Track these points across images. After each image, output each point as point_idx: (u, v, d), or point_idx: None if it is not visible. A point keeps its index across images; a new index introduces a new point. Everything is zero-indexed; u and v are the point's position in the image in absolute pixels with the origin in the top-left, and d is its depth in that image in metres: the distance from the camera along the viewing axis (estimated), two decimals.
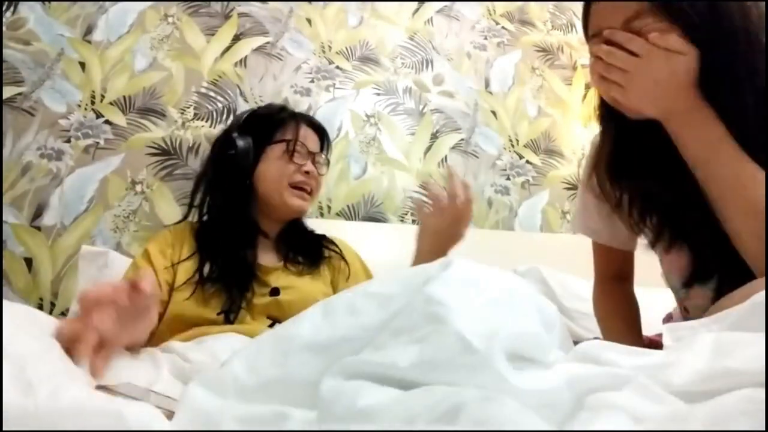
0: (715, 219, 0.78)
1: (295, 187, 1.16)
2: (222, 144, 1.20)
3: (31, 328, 0.55)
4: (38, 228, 1.57)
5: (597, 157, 0.98)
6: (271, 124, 1.20)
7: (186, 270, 1.05)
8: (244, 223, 1.14)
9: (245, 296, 1.02)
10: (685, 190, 0.83)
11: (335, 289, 1.18)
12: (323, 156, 1.25)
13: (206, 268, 1.05)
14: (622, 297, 1.04)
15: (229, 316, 1.00)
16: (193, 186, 1.22)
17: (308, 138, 1.21)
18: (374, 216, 1.84)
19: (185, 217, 1.20)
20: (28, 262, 1.53)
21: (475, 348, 0.38)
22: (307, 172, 1.17)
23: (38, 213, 1.58)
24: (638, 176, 0.89)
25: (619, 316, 1.03)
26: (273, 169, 1.16)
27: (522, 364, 0.40)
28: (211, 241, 1.10)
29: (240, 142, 1.15)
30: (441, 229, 1.01)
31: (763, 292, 0.48)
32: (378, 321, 0.44)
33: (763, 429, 0.32)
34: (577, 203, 1.09)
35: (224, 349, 0.84)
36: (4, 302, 0.63)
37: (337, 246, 1.24)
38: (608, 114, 0.94)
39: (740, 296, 0.63)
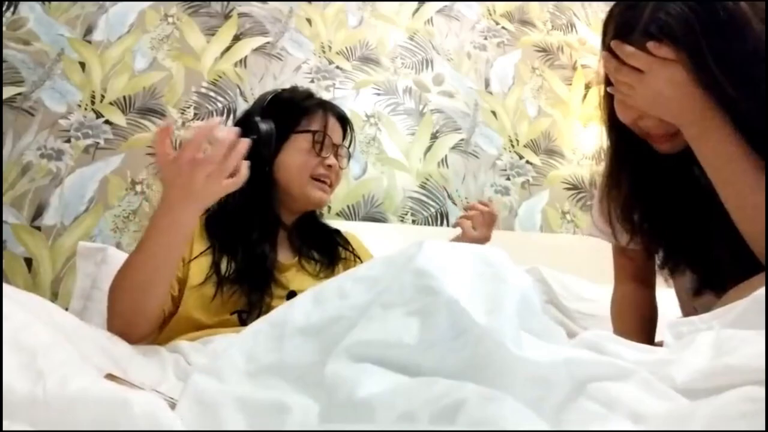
0: (723, 243, 0.80)
1: (317, 179, 1.12)
2: (243, 127, 1.08)
3: (45, 318, 0.56)
4: (38, 228, 1.57)
5: (610, 192, 0.98)
6: (297, 110, 1.14)
7: (201, 267, 0.99)
8: (265, 213, 1.08)
9: (264, 301, 0.98)
10: (695, 225, 0.85)
11: None
12: (345, 148, 1.21)
13: (223, 265, 0.99)
14: (637, 300, 1.02)
15: (243, 317, 0.96)
16: None
17: (333, 129, 1.16)
18: (374, 216, 1.84)
19: (207, 217, 1.10)
20: (28, 262, 1.54)
21: (475, 320, 0.39)
22: (329, 166, 1.13)
23: (38, 213, 1.58)
24: (651, 216, 0.91)
25: (629, 319, 1.01)
26: (296, 160, 1.10)
27: (522, 336, 0.41)
28: (228, 233, 1.04)
29: (263, 127, 1.07)
30: (479, 235, 1.21)
31: (764, 289, 0.48)
32: (367, 300, 0.46)
33: (763, 429, 0.32)
34: (593, 215, 1.09)
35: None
36: (20, 291, 0.64)
37: (351, 245, 1.22)
38: (624, 152, 0.94)
39: (747, 288, 0.64)
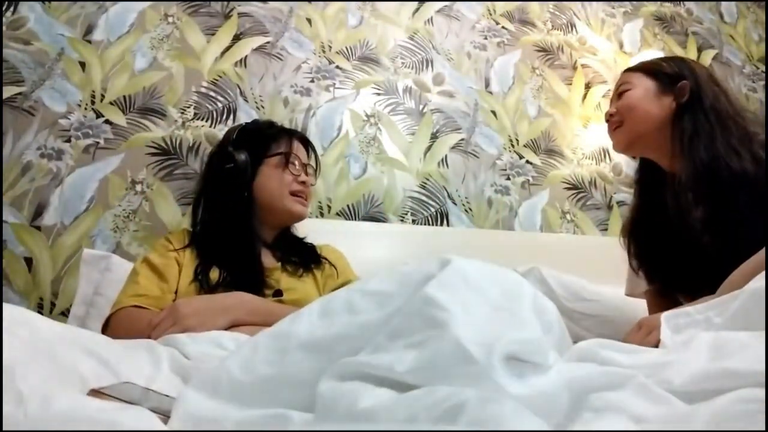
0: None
1: (294, 194, 1.26)
2: (219, 159, 1.26)
3: (21, 332, 0.54)
4: (38, 228, 1.56)
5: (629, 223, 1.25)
6: (264, 138, 1.28)
7: (190, 278, 1.11)
8: (245, 232, 1.19)
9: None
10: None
11: (324, 291, 1.25)
12: (312, 166, 1.36)
13: (214, 273, 1.10)
14: None
15: None
16: (194, 201, 1.30)
17: (299, 150, 1.31)
18: (374, 216, 1.84)
19: (193, 233, 1.25)
20: (28, 262, 1.53)
21: (475, 358, 0.38)
22: (303, 182, 1.27)
23: (38, 213, 1.58)
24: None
25: None
26: (273, 180, 1.24)
27: (521, 368, 0.40)
28: (216, 250, 1.16)
29: (237, 156, 1.21)
30: None
31: (762, 281, 0.48)
32: (376, 320, 0.44)
33: (763, 429, 0.32)
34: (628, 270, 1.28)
35: (229, 338, 0.83)
36: None
37: (328, 257, 1.31)
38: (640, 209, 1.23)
39: (741, 275, 0.69)
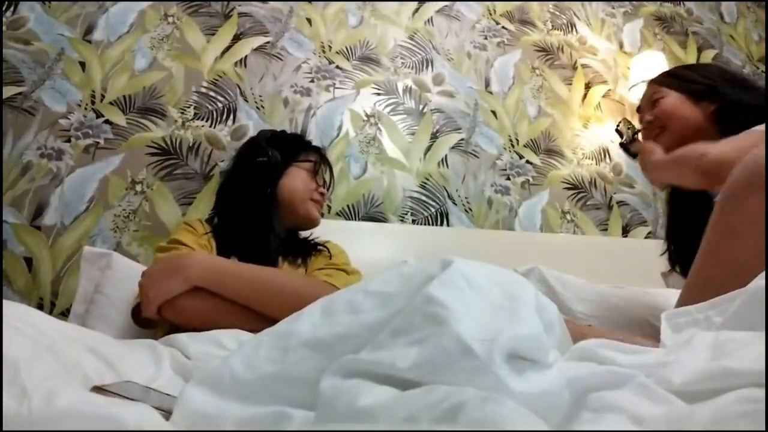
0: None
1: (313, 201, 1.35)
2: (251, 152, 1.34)
3: (26, 329, 0.55)
4: (38, 228, 1.56)
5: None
6: (297, 144, 1.39)
7: None
8: (263, 225, 1.24)
9: None
10: None
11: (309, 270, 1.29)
12: (325, 182, 1.46)
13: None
14: None
15: None
16: (219, 188, 1.37)
17: (325, 167, 1.43)
18: (374, 216, 1.84)
19: (212, 218, 1.31)
20: (28, 261, 1.53)
21: (475, 353, 0.38)
22: (322, 194, 1.38)
23: (38, 213, 1.58)
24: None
25: None
26: (300, 184, 1.32)
27: (522, 365, 0.40)
28: (234, 239, 1.20)
29: (272, 152, 1.30)
30: None
31: (763, 282, 0.48)
32: (377, 320, 0.44)
33: (763, 429, 0.32)
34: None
35: (230, 338, 0.84)
36: None
37: (328, 249, 1.36)
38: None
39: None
